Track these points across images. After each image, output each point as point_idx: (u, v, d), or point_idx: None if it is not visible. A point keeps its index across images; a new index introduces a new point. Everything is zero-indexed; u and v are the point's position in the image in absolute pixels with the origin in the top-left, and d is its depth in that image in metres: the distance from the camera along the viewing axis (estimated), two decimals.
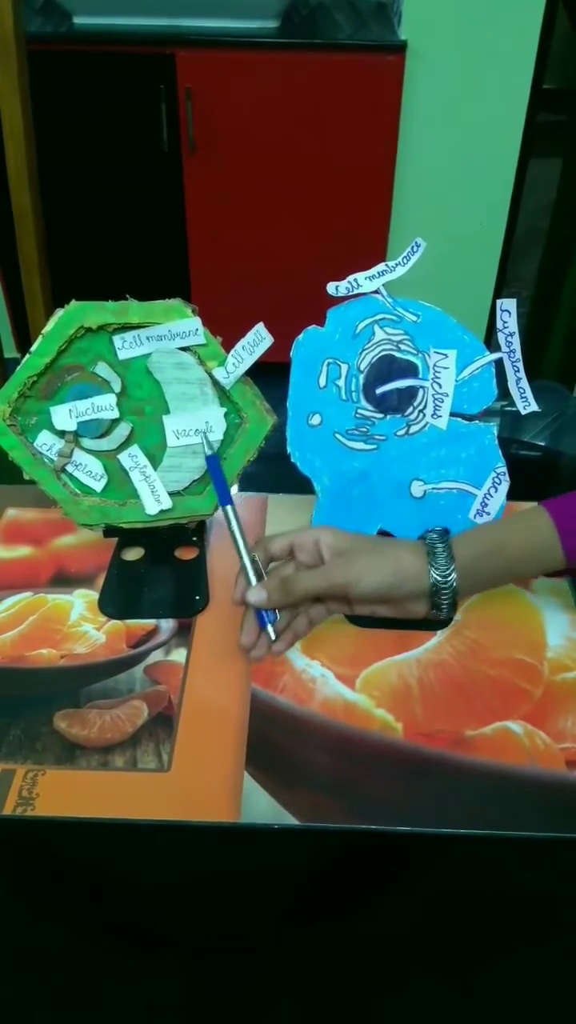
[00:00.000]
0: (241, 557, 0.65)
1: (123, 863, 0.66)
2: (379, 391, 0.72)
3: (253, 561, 0.65)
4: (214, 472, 0.70)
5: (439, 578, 0.63)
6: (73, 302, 0.70)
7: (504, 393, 0.72)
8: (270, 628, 0.64)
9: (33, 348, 0.70)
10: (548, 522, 0.64)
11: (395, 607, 0.65)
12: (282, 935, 0.72)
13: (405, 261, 0.70)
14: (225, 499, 0.68)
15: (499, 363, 0.71)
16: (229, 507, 0.67)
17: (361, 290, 0.70)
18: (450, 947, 0.72)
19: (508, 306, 0.69)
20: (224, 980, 0.78)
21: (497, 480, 0.73)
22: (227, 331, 0.72)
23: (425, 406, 0.72)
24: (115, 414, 0.73)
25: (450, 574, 0.63)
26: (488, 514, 0.74)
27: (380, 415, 0.73)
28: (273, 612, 0.65)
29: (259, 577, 0.65)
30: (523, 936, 0.71)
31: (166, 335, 0.70)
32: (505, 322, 0.69)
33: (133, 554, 0.81)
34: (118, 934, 0.73)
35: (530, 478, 0.84)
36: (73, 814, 0.60)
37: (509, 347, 0.70)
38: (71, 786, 0.62)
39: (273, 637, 0.64)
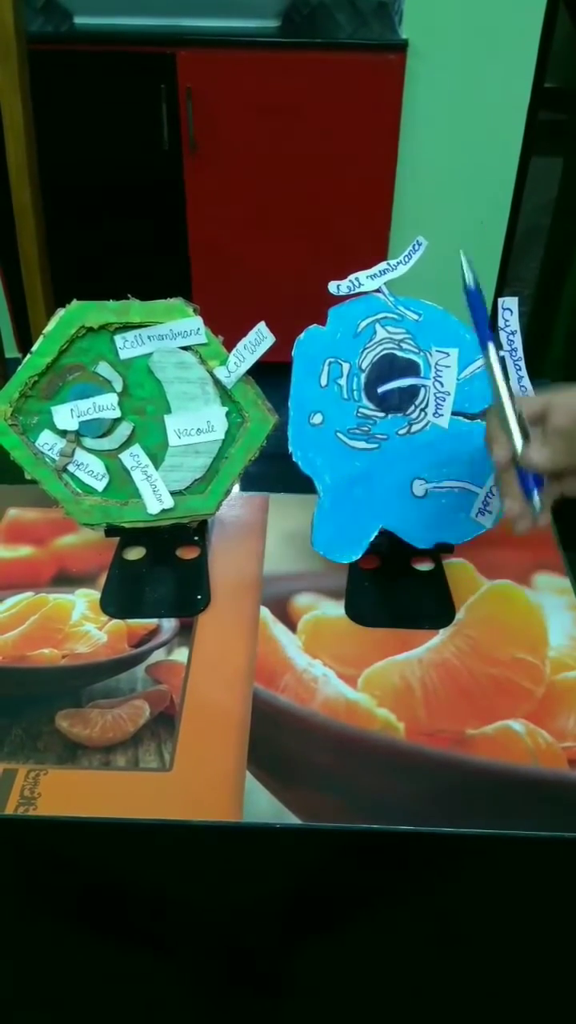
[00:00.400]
0: (506, 411, 0.56)
1: (125, 863, 0.66)
2: (380, 390, 0.72)
3: (519, 417, 0.56)
4: (475, 308, 0.59)
5: None
6: (74, 301, 0.70)
7: None
8: (537, 496, 0.57)
9: (34, 348, 0.70)
10: None
11: None
12: (283, 934, 0.72)
13: (407, 260, 0.70)
14: (486, 335, 0.59)
15: (501, 362, 0.71)
16: (491, 344, 0.58)
17: (362, 289, 0.70)
18: (452, 946, 0.72)
19: (509, 304, 0.69)
20: (225, 979, 0.78)
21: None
22: (228, 330, 0.72)
23: (427, 405, 0.72)
24: (116, 413, 0.73)
25: None
26: (490, 512, 0.74)
27: (381, 414, 0.73)
28: (541, 477, 0.57)
29: (525, 435, 0.56)
30: (525, 936, 0.71)
31: (167, 334, 0.70)
32: (507, 320, 0.69)
33: (135, 554, 0.81)
34: (119, 934, 0.73)
35: None
36: (75, 814, 0.60)
37: (511, 345, 0.70)
38: (73, 786, 0.62)
39: (539, 506, 0.57)
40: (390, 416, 0.73)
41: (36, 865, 0.67)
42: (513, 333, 0.70)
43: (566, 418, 0.55)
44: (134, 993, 0.79)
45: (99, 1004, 0.80)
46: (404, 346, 0.72)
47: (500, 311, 0.69)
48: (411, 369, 0.72)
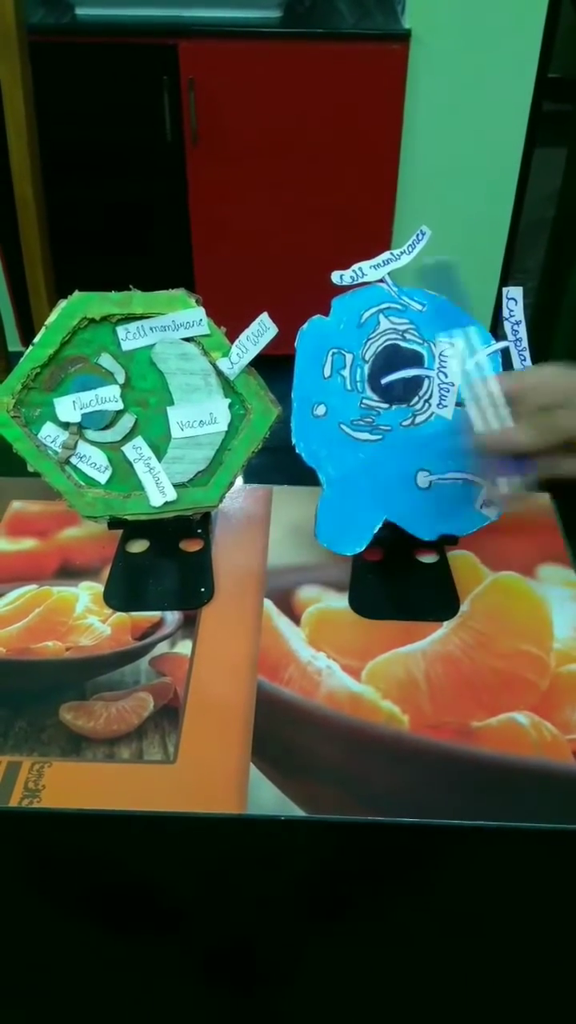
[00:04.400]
0: (489, 392, 0.58)
1: (128, 855, 0.66)
2: (384, 381, 0.72)
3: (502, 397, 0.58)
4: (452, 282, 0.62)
5: None
6: (76, 293, 0.69)
7: None
8: (518, 478, 0.59)
9: (36, 339, 0.70)
10: None
11: None
12: (287, 926, 0.72)
13: (410, 249, 0.70)
14: (467, 320, 0.60)
15: (505, 353, 0.71)
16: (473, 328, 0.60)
17: (366, 279, 0.69)
18: (457, 938, 0.72)
19: (514, 294, 0.68)
20: (230, 971, 0.78)
21: None
22: (231, 321, 0.71)
23: (431, 396, 0.72)
24: (119, 405, 0.73)
25: None
26: (494, 504, 0.73)
27: (385, 405, 0.72)
28: (529, 461, 0.58)
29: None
30: (529, 928, 0.71)
31: (170, 326, 0.70)
32: (511, 310, 0.68)
33: (138, 546, 0.81)
34: (123, 926, 0.73)
35: None
36: (79, 806, 0.60)
37: (515, 336, 0.69)
38: (77, 778, 0.62)
39: (518, 486, 0.59)
40: (394, 407, 0.72)
41: (40, 857, 0.67)
42: (518, 323, 0.69)
43: (545, 397, 0.58)
44: (137, 984, 0.79)
45: (102, 995, 0.80)
46: (408, 336, 0.71)
47: (505, 300, 0.68)
48: (415, 360, 0.72)
